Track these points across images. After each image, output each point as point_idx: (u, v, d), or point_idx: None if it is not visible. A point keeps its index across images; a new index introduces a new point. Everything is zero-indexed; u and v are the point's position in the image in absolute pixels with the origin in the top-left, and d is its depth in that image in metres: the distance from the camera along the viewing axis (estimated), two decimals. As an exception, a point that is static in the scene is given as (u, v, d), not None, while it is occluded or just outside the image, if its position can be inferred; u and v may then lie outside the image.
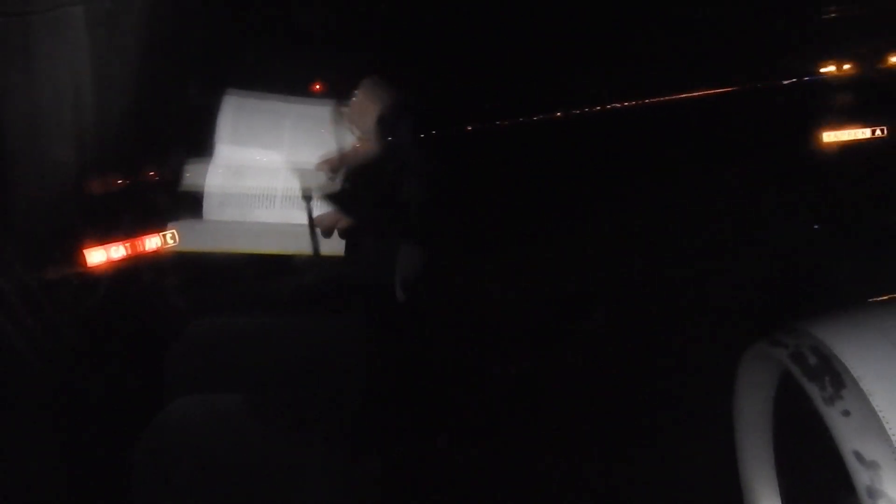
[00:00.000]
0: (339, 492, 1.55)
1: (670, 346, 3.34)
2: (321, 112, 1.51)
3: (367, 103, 1.48)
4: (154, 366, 1.67)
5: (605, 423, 2.76)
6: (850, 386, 0.83)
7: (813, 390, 0.85)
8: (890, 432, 0.78)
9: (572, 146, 7.94)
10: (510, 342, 3.60)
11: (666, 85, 9.14)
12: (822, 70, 7.90)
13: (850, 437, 0.80)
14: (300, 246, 1.48)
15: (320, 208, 1.47)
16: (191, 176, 1.51)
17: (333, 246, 1.48)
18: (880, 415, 0.79)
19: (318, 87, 1.73)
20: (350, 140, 1.49)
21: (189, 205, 1.50)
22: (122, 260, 3.84)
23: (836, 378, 0.84)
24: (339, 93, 1.53)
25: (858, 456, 0.78)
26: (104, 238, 3.78)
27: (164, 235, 1.76)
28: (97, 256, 3.76)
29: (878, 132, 6.23)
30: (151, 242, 3.84)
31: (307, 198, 1.46)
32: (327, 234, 1.46)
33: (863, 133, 6.28)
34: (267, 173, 1.49)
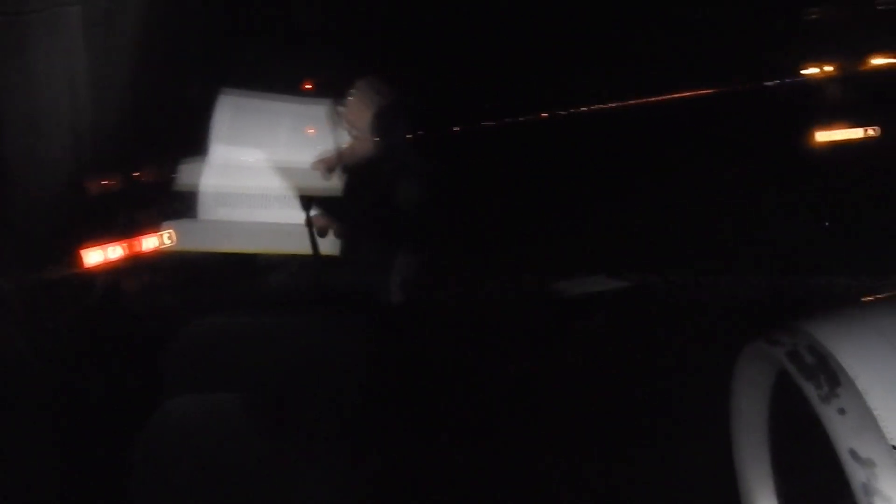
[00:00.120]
0: (338, 492, 1.55)
1: (670, 346, 3.34)
2: (318, 112, 1.51)
3: (363, 103, 1.48)
4: (152, 365, 1.67)
5: (605, 423, 2.76)
6: (846, 384, 0.82)
7: (809, 389, 0.85)
8: (885, 430, 0.78)
9: (569, 146, 7.94)
10: (509, 342, 3.60)
11: (663, 84, 9.14)
12: (819, 70, 7.91)
13: (845, 436, 0.80)
14: (297, 245, 1.48)
15: (317, 208, 1.47)
16: (188, 176, 1.51)
17: (330, 245, 1.48)
18: (875, 413, 0.79)
19: (315, 86, 1.73)
20: (347, 140, 1.49)
21: (186, 204, 1.50)
22: (120, 260, 3.84)
23: (831, 377, 0.84)
24: (335, 93, 1.52)
25: (854, 454, 0.78)
26: (101, 238, 3.78)
27: (162, 235, 1.76)
28: (95, 256, 3.76)
29: (870, 132, 6.28)
30: (148, 242, 3.84)
31: (304, 197, 1.46)
32: (323, 233, 1.46)
33: (855, 133, 6.33)
34: (264, 173, 1.49)
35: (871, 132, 6.27)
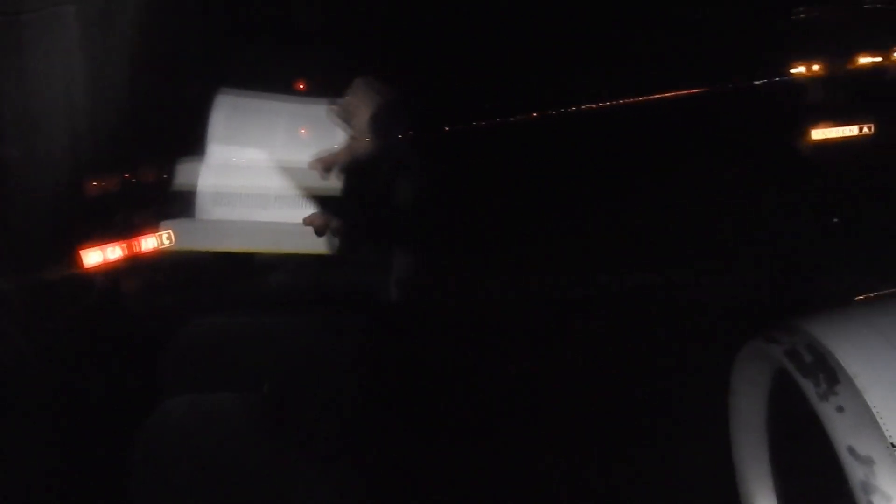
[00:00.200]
0: (338, 492, 1.55)
1: (670, 346, 3.34)
2: (316, 111, 1.51)
3: (360, 102, 1.48)
4: (151, 365, 1.67)
5: (605, 424, 2.76)
6: (845, 382, 0.83)
7: (807, 387, 0.85)
8: (884, 428, 0.78)
9: (568, 145, 7.94)
10: (509, 342, 3.59)
11: (663, 84, 9.15)
12: (812, 69, 7.94)
13: (844, 433, 0.80)
14: (295, 245, 1.48)
15: (314, 207, 1.47)
16: (187, 175, 1.51)
17: (328, 245, 1.48)
18: (874, 411, 0.79)
19: (312, 86, 1.74)
20: (344, 139, 1.49)
21: (185, 204, 1.50)
22: (119, 260, 3.84)
23: (830, 374, 0.84)
24: (333, 92, 1.53)
25: (853, 451, 0.78)
26: (100, 238, 3.79)
27: (161, 235, 1.76)
28: (94, 257, 3.76)
29: (865, 129, 6.31)
30: (147, 242, 3.85)
31: (301, 197, 1.46)
32: (321, 233, 1.46)
33: (851, 130, 6.36)
34: (262, 173, 1.49)
35: (866, 130, 6.31)
